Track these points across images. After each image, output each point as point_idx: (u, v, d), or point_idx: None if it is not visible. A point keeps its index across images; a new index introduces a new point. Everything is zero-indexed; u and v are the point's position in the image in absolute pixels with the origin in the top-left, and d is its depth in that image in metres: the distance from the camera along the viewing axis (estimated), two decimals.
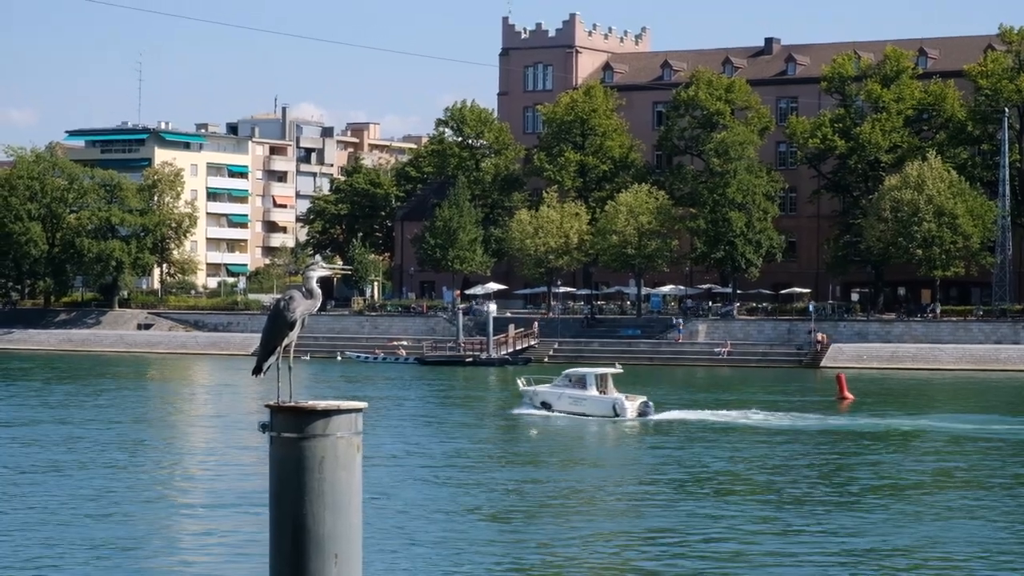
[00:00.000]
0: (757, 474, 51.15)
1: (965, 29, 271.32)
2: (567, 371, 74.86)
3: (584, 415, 68.97)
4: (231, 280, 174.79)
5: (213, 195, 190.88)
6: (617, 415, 68.03)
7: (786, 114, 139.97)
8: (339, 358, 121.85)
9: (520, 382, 74.61)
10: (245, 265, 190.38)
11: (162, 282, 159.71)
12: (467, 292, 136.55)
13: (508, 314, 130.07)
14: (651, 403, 69.19)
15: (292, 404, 11.14)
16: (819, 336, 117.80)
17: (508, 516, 41.01)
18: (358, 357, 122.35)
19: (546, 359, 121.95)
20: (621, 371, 74.46)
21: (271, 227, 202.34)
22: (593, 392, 70.22)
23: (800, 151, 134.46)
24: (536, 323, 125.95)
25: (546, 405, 71.16)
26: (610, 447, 61.18)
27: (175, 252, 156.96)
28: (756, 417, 68.83)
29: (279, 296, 12.98)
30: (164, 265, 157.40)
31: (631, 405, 68.58)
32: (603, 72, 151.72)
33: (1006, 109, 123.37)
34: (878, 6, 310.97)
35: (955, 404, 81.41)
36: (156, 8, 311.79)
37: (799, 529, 38.86)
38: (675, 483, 47.70)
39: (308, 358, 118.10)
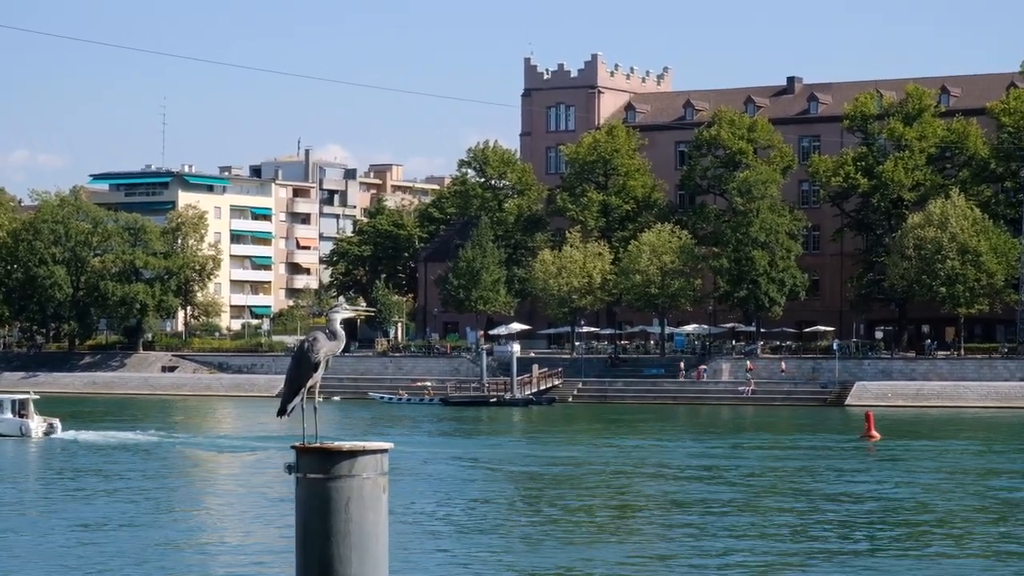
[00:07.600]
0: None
1: (987, 67, 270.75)
2: None
3: None
4: (255, 322, 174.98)
5: (237, 237, 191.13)
6: (23, 434, 79.49)
7: (808, 153, 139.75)
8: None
9: None
10: (269, 307, 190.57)
11: (186, 324, 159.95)
12: (491, 332, 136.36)
13: (532, 354, 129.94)
14: (57, 424, 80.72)
15: (318, 445, 11.12)
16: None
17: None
18: (382, 398, 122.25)
19: (570, 399, 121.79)
20: (38, 397, 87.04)
21: (294, 269, 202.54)
22: (8, 415, 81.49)
23: (823, 189, 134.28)
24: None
25: None
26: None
27: (199, 294, 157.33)
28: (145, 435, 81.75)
29: (303, 338, 13.01)
30: (188, 307, 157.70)
31: (37, 427, 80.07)
32: (625, 112, 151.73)
33: None
34: (900, 44, 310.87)
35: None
36: (179, 52, 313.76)
37: None
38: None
39: (339, 399, 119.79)
